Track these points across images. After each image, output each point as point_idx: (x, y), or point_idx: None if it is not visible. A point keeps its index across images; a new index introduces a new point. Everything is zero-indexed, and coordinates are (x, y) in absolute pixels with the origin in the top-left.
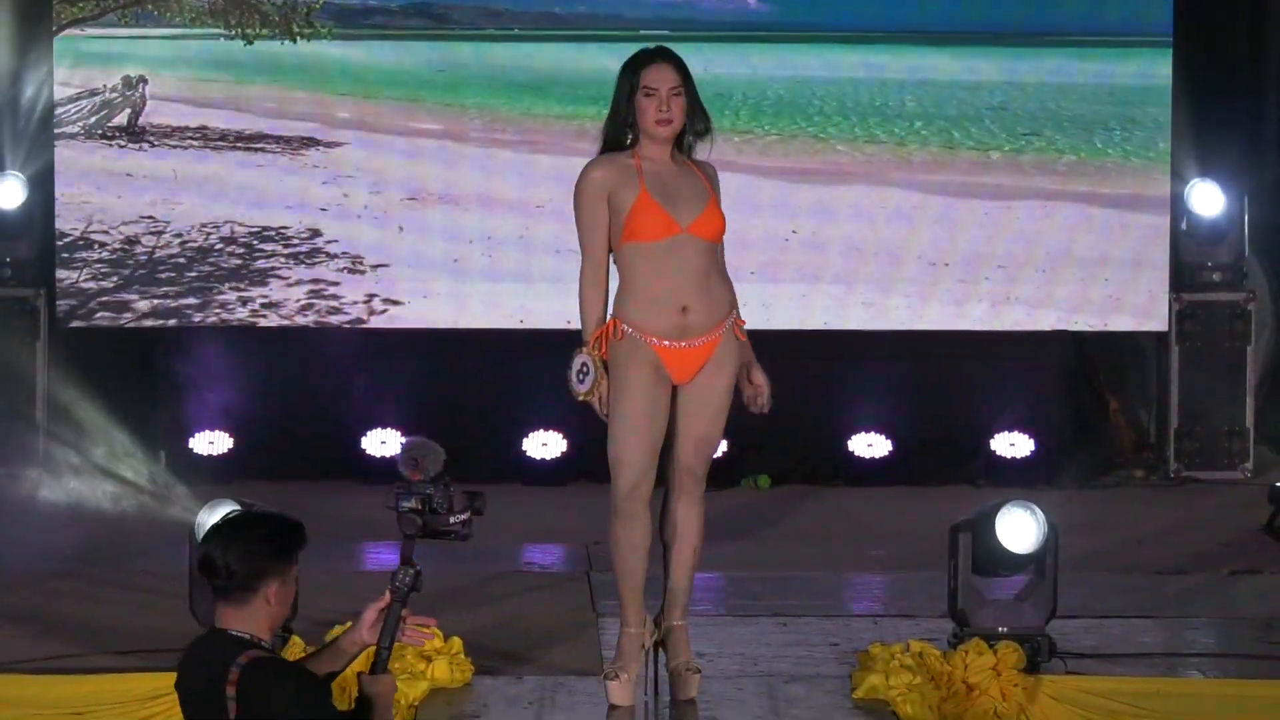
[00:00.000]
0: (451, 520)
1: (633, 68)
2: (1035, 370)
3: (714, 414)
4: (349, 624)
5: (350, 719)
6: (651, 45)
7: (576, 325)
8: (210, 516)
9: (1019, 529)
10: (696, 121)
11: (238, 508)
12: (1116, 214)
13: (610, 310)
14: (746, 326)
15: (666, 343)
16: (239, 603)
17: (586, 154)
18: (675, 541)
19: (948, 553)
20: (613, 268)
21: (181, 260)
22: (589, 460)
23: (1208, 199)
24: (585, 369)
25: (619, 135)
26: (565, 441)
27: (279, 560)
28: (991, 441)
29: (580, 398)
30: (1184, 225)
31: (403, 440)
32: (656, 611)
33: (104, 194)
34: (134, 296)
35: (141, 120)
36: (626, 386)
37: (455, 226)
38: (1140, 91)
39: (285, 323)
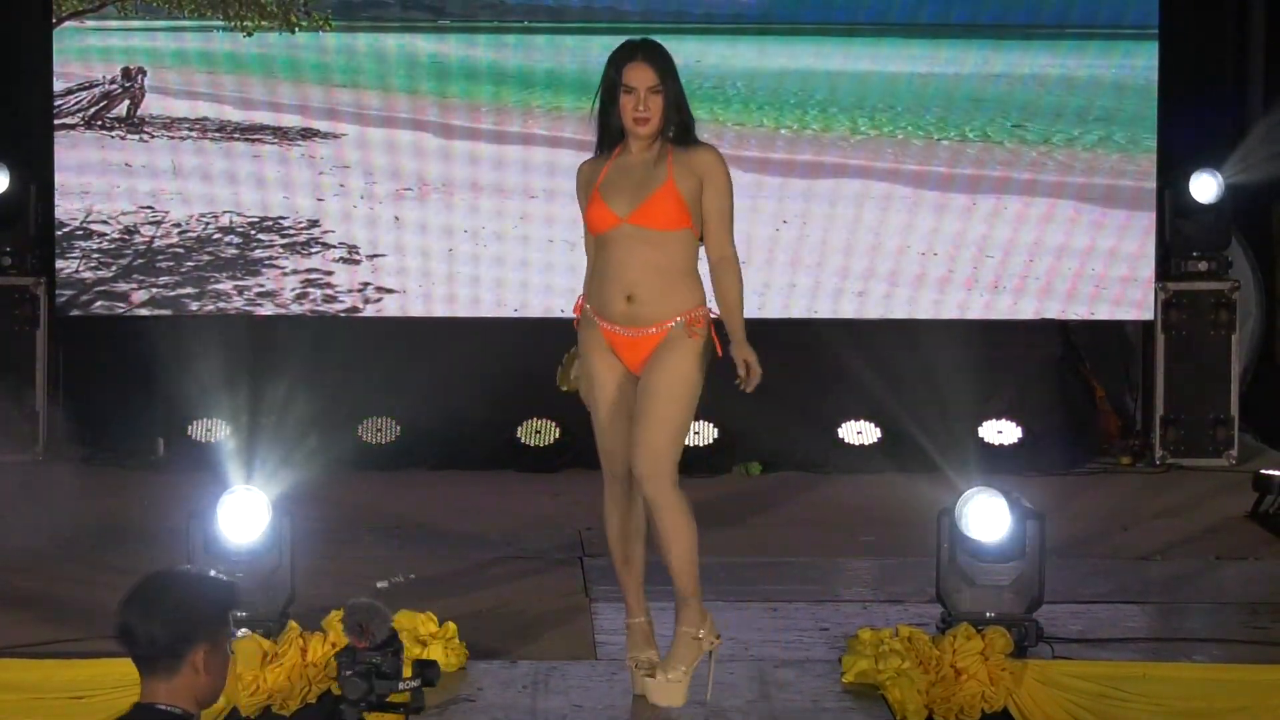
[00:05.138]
0: (400, 687)
1: (615, 64)
2: (1023, 358)
3: (649, 413)
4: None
5: None
6: (636, 39)
7: (568, 315)
8: (226, 504)
9: (986, 516)
10: (679, 114)
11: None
12: (1103, 203)
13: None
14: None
15: (615, 328)
16: (166, 672)
17: (581, 146)
18: (660, 548)
19: (935, 539)
20: None
21: (180, 250)
22: (581, 447)
23: (1202, 189)
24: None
25: (604, 129)
26: (558, 429)
27: (207, 624)
28: (980, 429)
29: (564, 388)
30: (1169, 215)
31: (348, 604)
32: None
33: (103, 184)
34: (132, 286)
35: (140, 111)
36: (599, 377)
37: (450, 217)
38: (1126, 82)
39: (281, 311)
